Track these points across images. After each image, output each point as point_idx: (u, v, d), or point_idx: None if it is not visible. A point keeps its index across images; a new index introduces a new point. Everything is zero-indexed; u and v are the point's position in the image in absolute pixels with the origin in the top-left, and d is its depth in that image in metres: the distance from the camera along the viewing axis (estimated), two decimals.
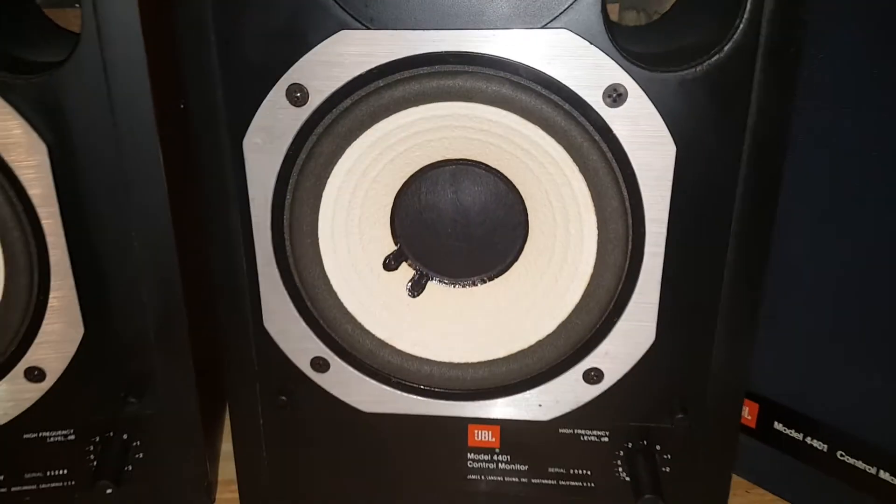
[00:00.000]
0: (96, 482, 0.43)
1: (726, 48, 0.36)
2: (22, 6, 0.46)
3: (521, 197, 0.41)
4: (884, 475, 0.45)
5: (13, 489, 0.46)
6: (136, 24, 0.38)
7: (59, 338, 0.42)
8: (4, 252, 0.40)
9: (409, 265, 0.43)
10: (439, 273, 0.44)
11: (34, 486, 0.46)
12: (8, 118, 0.38)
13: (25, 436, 0.45)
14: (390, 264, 0.43)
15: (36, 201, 0.39)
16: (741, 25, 0.36)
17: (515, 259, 0.43)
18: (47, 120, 0.38)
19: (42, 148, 0.38)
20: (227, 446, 0.51)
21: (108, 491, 0.43)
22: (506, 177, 0.41)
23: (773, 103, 0.37)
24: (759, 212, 0.39)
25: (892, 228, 0.41)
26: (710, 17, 0.39)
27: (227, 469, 0.50)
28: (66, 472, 0.46)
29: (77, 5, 0.38)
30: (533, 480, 0.47)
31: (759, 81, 0.36)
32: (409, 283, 0.44)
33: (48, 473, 0.46)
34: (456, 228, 0.42)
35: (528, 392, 0.43)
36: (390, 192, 0.42)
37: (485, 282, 0.43)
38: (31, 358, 0.42)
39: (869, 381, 0.44)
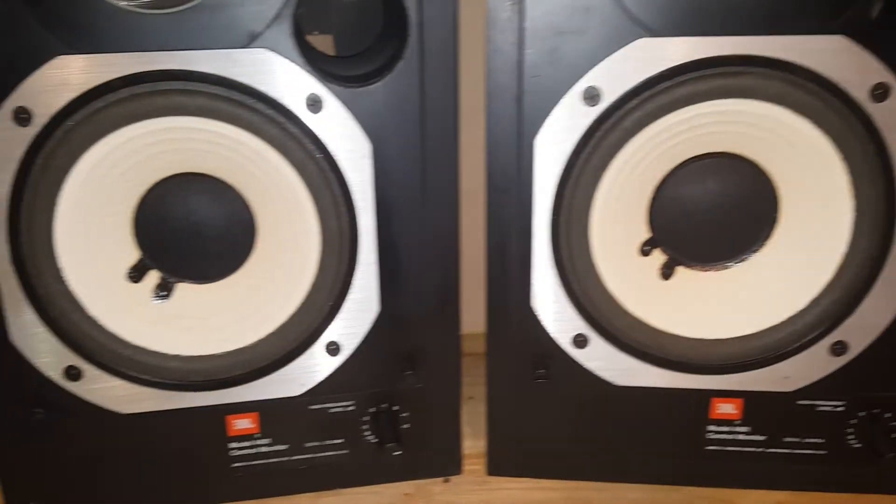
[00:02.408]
0: (383, 445, 0.49)
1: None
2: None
3: (774, 187, 0.46)
4: None
5: (293, 457, 0.51)
6: (452, 50, 0.44)
7: (356, 315, 0.48)
8: (322, 235, 0.45)
9: (662, 251, 0.49)
10: (690, 258, 0.49)
11: (310, 455, 0.52)
12: (345, 120, 0.44)
13: (311, 407, 0.50)
14: (646, 251, 0.48)
15: (354, 192, 0.45)
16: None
17: (763, 243, 0.48)
18: (371, 122, 0.44)
19: (367, 146, 0.44)
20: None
21: (396, 453, 0.48)
22: (758, 164, 0.46)
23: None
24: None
25: None
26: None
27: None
28: (342, 441, 0.51)
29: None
30: (768, 450, 0.51)
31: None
32: (661, 267, 0.49)
33: (325, 442, 0.51)
34: (708, 216, 0.47)
35: (776, 365, 0.48)
36: (655, 182, 0.47)
37: (733, 264, 0.48)
38: (331, 333, 0.48)
39: None
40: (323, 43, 0.55)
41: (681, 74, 0.42)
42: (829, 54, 0.41)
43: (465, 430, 0.55)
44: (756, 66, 0.42)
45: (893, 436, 0.49)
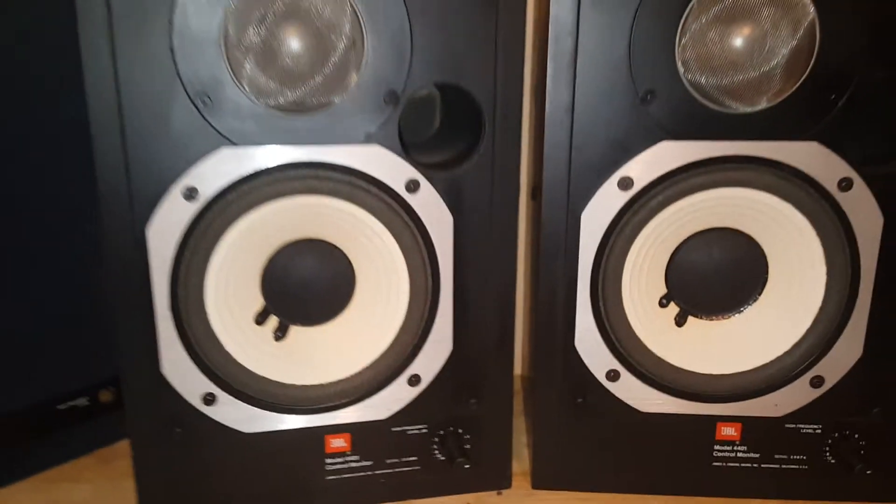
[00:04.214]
0: (455, 461, 0.59)
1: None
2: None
3: (765, 254, 0.59)
4: None
5: (376, 472, 0.62)
6: (517, 143, 0.56)
7: (434, 353, 0.59)
8: (411, 288, 0.57)
9: (676, 304, 0.61)
10: (699, 310, 0.61)
11: (390, 470, 0.62)
12: (435, 199, 0.56)
13: (392, 429, 0.61)
14: (663, 303, 0.60)
15: (438, 255, 0.57)
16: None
17: (755, 298, 0.60)
18: (454, 200, 0.56)
19: (450, 219, 0.56)
20: None
21: (466, 466, 0.59)
22: (752, 237, 0.59)
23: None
24: None
25: None
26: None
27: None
28: (415, 458, 0.62)
29: None
30: (761, 466, 0.62)
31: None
32: (676, 317, 0.61)
33: (402, 459, 0.62)
34: (712, 277, 0.60)
35: (768, 395, 0.60)
36: (671, 248, 0.59)
37: (734, 314, 0.60)
38: (414, 368, 0.59)
39: None
40: None
41: (694, 169, 0.55)
42: (806, 155, 0.55)
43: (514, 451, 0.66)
44: (751, 164, 0.55)
45: (861, 452, 0.61)
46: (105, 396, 0.69)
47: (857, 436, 0.61)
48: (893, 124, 0.55)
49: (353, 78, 0.52)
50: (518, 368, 0.76)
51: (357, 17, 0.51)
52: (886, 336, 0.58)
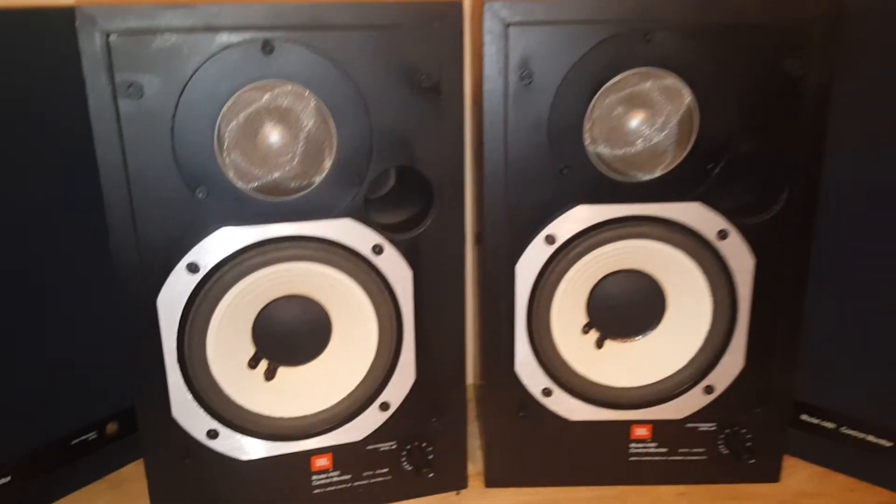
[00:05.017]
0: (421, 471, 0.71)
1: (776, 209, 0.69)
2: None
3: (662, 289, 0.72)
4: (871, 438, 0.76)
5: (354, 484, 0.73)
6: (461, 214, 0.68)
7: (401, 382, 0.71)
8: (379, 332, 0.68)
9: (596, 330, 0.74)
10: (613, 334, 0.74)
11: (366, 481, 0.74)
12: (396, 258, 0.67)
13: (367, 447, 0.73)
14: (586, 330, 0.73)
15: (401, 303, 0.68)
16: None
17: (658, 323, 0.73)
18: (412, 257, 0.68)
19: (409, 273, 0.68)
20: None
21: (430, 475, 0.71)
22: (653, 276, 0.72)
23: (801, 238, 0.70)
24: (796, 292, 0.71)
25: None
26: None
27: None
28: (387, 470, 0.74)
29: None
30: (669, 458, 0.76)
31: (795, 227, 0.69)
32: (596, 341, 0.74)
33: (376, 472, 0.74)
34: (624, 307, 0.73)
35: (671, 401, 0.74)
36: (590, 287, 0.72)
37: (640, 337, 0.74)
38: (384, 396, 0.71)
39: (857, 384, 0.76)
40: None
41: (603, 226, 0.68)
42: (691, 213, 0.68)
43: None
44: (648, 221, 0.68)
45: (747, 444, 0.76)
46: (111, 428, 0.79)
47: (744, 431, 0.76)
48: (758, 186, 0.69)
49: (327, 165, 0.64)
50: (472, 378, 0.89)
51: (326, 117, 0.62)
52: (762, 351, 0.73)
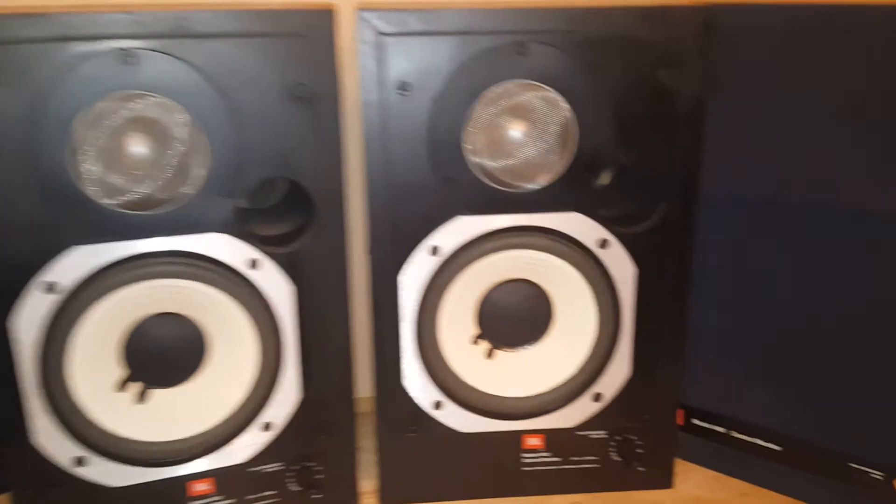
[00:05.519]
0: (307, 492, 0.69)
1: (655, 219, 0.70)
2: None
3: (550, 299, 0.72)
4: (760, 441, 0.78)
5: None
6: (342, 221, 0.66)
7: (284, 402, 0.69)
8: (260, 349, 0.66)
9: (486, 341, 0.73)
10: (503, 344, 0.74)
11: None
12: (275, 273, 0.65)
13: (249, 469, 0.70)
14: (476, 341, 0.73)
15: (282, 319, 0.66)
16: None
17: (546, 333, 0.74)
18: (293, 272, 0.66)
19: (291, 288, 0.66)
20: None
21: (316, 497, 0.69)
22: (541, 286, 0.72)
23: (682, 246, 0.71)
24: (678, 299, 0.73)
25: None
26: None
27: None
28: (274, 492, 0.71)
29: None
30: (562, 467, 0.76)
31: (675, 235, 0.70)
32: (485, 352, 0.73)
33: (262, 494, 0.71)
34: (512, 318, 0.73)
35: (561, 410, 0.74)
36: (478, 298, 0.72)
37: (530, 347, 0.74)
38: (266, 416, 0.69)
39: (745, 388, 0.78)
40: None
41: (486, 237, 0.68)
42: (571, 223, 0.69)
43: (361, 472, 0.77)
44: (530, 231, 0.68)
45: (638, 451, 0.76)
46: None
47: (634, 438, 0.76)
48: (638, 197, 0.70)
49: (197, 177, 0.61)
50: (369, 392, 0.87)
51: (194, 128, 0.60)
52: (647, 359, 0.74)
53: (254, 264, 0.64)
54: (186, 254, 0.63)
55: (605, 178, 0.69)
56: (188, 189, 0.62)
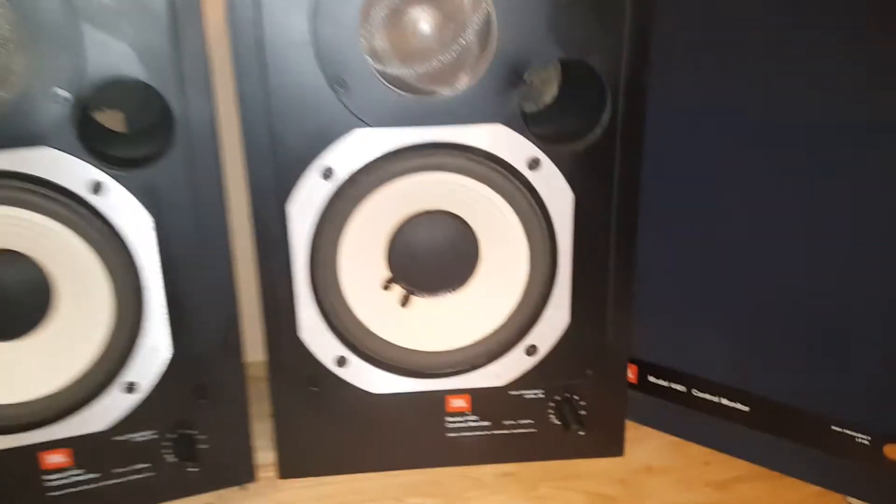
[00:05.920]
0: (183, 463, 0.58)
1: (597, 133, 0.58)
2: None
3: (475, 234, 0.61)
4: (725, 401, 0.67)
5: (102, 483, 0.60)
6: (213, 137, 0.55)
7: (150, 359, 0.58)
8: (114, 294, 0.55)
9: (400, 286, 0.62)
10: (420, 290, 0.62)
11: (121, 479, 0.60)
12: (127, 199, 0.54)
13: (114, 438, 0.59)
14: (387, 286, 0.62)
15: (140, 257, 0.55)
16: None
17: (471, 275, 0.62)
18: (151, 199, 0.54)
19: (149, 220, 0.55)
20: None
21: (193, 470, 0.58)
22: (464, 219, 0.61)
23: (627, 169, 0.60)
24: (625, 234, 0.61)
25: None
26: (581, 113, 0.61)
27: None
28: (148, 465, 0.60)
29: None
30: (493, 433, 0.66)
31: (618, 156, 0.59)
32: (400, 299, 0.62)
33: (132, 467, 0.60)
34: (431, 258, 0.61)
35: (489, 366, 0.63)
36: (388, 233, 0.60)
37: (452, 292, 0.63)
38: (128, 375, 0.57)
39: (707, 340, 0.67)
40: (113, 118, 0.65)
41: (392, 157, 0.56)
42: (494, 138, 0.57)
43: (260, 443, 0.66)
44: (445, 148, 0.57)
45: (580, 413, 0.66)
46: None
47: (576, 397, 0.66)
48: (574, 107, 0.59)
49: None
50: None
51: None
52: (588, 303, 0.63)
53: (97, 188, 0.53)
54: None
55: (536, 83, 0.57)
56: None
